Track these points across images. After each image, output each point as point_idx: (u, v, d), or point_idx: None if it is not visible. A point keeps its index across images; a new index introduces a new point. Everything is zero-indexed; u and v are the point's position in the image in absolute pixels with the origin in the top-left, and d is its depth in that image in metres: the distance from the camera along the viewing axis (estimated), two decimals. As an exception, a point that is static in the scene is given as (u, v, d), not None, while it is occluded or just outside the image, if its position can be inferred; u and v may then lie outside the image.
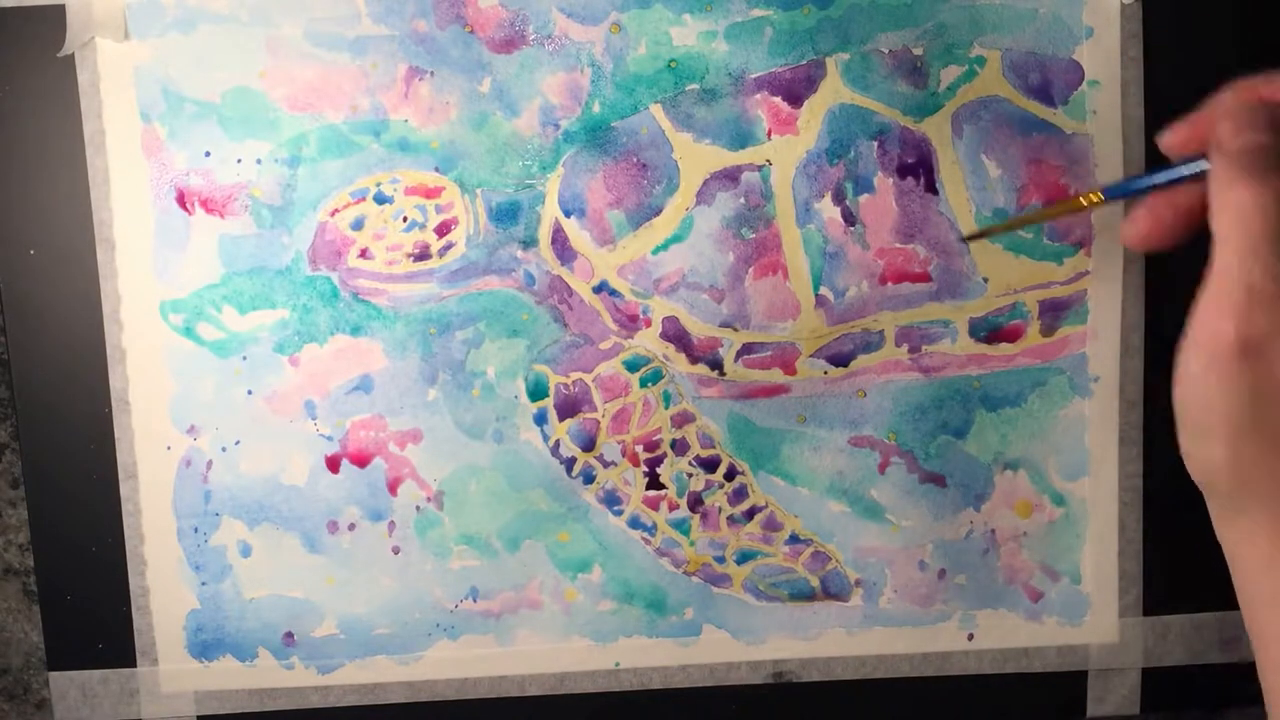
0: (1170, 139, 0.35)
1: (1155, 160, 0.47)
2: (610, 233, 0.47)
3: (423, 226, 0.47)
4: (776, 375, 0.47)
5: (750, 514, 0.48)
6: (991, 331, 0.47)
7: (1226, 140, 0.31)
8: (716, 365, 0.47)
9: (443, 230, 0.47)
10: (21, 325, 0.48)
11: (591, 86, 0.46)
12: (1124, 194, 0.40)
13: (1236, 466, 0.30)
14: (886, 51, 0.46)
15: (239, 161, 0.47)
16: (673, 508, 0.48)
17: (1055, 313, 0.47)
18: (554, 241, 0.47)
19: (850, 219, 0.47)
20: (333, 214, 0.47)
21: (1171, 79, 0.46)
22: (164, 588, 0.48)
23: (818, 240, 0.47)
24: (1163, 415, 0.48)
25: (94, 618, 0.49)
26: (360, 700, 0.49)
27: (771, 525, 0.48)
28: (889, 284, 0.47)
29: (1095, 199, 0.41)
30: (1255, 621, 0.31)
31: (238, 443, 0.48)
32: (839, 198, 0.47)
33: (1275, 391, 0.28)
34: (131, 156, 0.47)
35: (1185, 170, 0.35)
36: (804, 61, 0.46)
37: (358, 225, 0.47)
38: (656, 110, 0.46)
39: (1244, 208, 0.29)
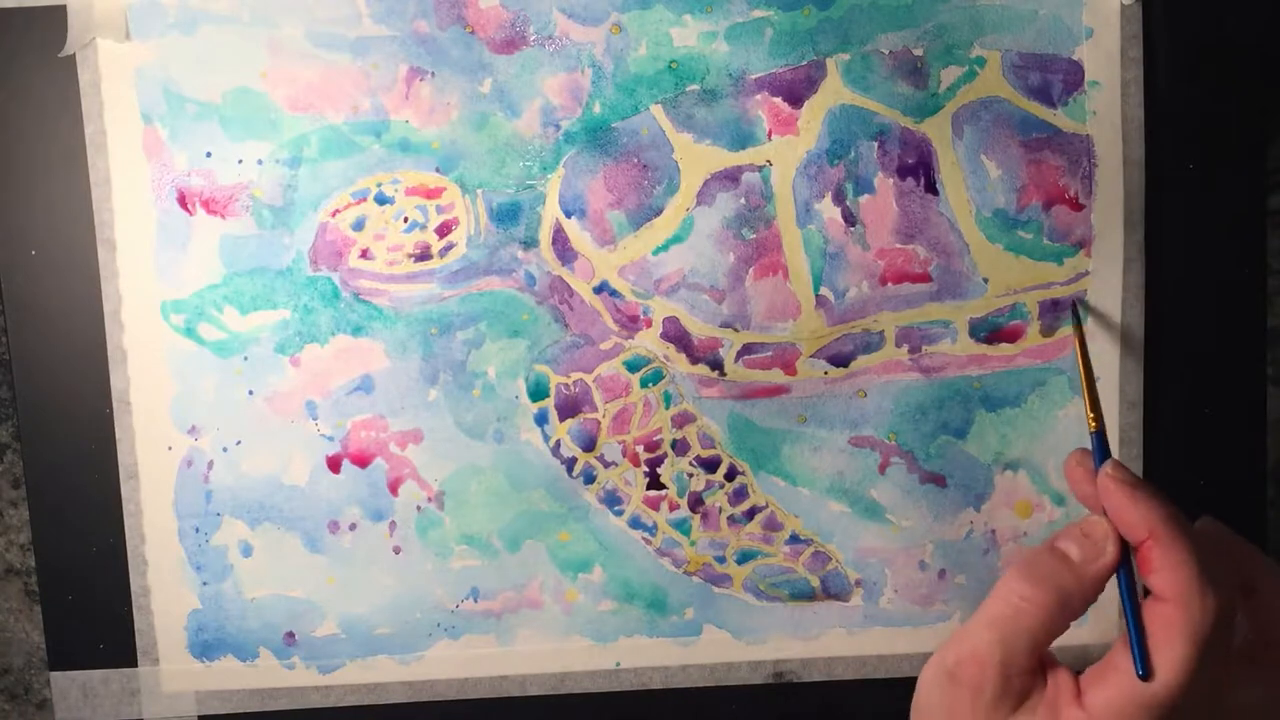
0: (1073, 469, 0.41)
1: (1154, 160, 0.47)
2: (611, 233, 0.47)
3: (423, 227, 0.47)
4: (777, 375, 0.48)
5: (750, 514, 0.48)
6: (991, 332, 0.47)
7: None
8: (717, 365, 0.47)
9: (443, 231, 0.47)
10: (22, 325, 0.48)
11: (592, 87, 0.46)
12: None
13: None
14: (887, 52, 0.46)
15: (240, 162, 0.47)
16: (673, 508, 0.48)
17: (1055, 313, 0.47)
18: (555, 242, 0.47)
19: (850, 219, 0.47)
20: (334, 214, 0.47)
21: (1171, 79, 0.47)
22: (165, 588, 0.48)
23: (818, 241, 0.47)
24: (1163, 415, 0.48)
25: (95, 618, 0.49)
26: (361, 700, 0.49)
27: (772, 525, 0.48)
28: (889, 284, 0.47)
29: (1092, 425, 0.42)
30: None
31: (239, 443, 0.48)
32: (839, 198, 0.47)
33: (962, 712, 0.37)
34: (132, 157, 0.47)
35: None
36: (804, 62, 0.46)
37: (359, 226, 0.47)
38: (657, 111, 0.46)
39: (1000, 586, 0.37)
